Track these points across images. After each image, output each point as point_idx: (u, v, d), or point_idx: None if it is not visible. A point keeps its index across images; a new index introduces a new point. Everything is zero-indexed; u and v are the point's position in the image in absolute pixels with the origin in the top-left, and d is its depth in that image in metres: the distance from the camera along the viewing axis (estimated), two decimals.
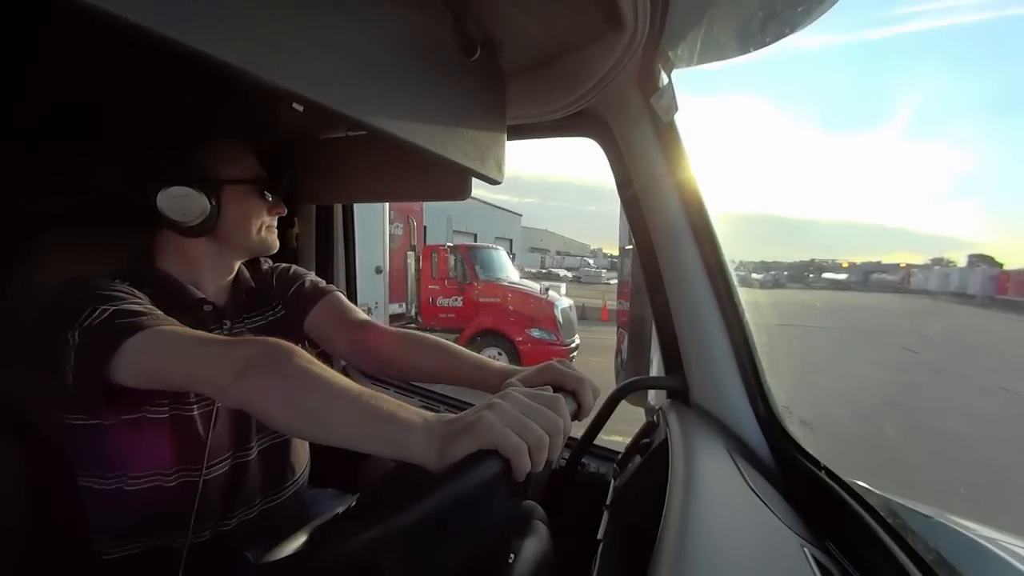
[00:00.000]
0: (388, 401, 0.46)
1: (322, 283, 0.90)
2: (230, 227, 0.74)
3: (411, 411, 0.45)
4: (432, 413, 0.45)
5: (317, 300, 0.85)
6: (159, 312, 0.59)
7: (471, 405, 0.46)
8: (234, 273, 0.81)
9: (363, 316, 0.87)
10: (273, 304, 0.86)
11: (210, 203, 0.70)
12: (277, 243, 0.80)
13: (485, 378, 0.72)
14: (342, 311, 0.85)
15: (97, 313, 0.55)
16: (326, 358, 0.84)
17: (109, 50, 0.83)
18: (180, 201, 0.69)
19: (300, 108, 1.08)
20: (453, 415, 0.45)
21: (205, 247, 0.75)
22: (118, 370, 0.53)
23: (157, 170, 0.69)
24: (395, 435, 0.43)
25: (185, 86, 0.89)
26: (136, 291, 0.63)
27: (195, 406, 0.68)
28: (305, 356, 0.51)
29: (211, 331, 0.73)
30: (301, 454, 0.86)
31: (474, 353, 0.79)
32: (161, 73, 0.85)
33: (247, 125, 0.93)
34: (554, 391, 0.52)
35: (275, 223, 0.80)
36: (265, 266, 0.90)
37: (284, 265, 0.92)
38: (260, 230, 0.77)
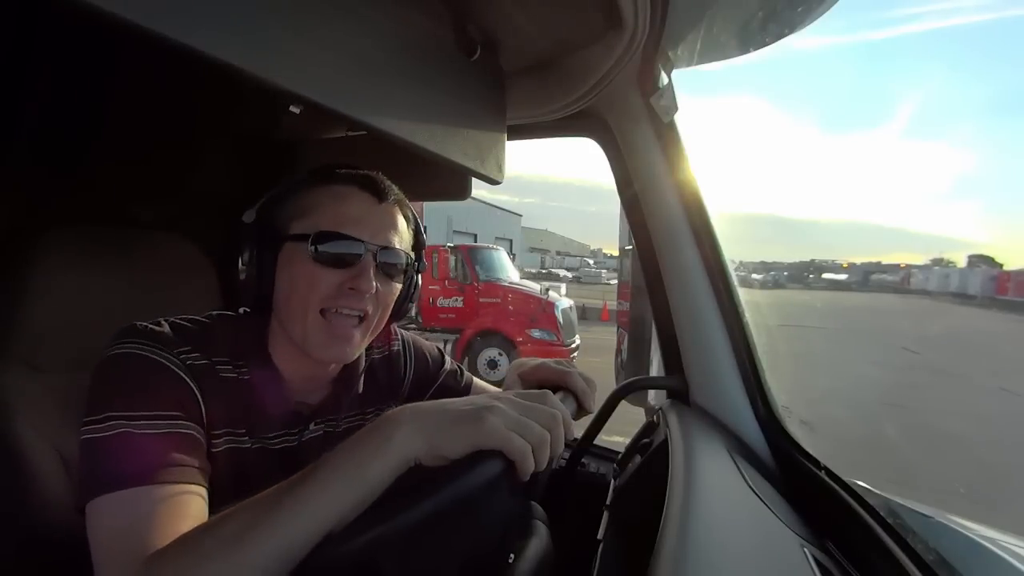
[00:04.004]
0: (346, 445, 0.41)
1: (460, 372, 0.83)
2: (279, 300, 0.57)
3: (373, 426, 0.41)
4: (404, 407, 0.43)
5: (469, 390, 0.81)
6: (173, 443, 0.49)
7: None
8: (331, 370, 0.65)
9: (492, 389, 0.83)
10: (392, 399, 0.74)
11: (243, 255, 0.56)
12: (337, 353, 0.57)
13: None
14: (483, 390, 0.83)
15: (107, 425, 0.47)
16: None
17: (112, 50, 0.83)
18: (241, 249, 0.57)
19: (297, 111, 1.08)
20: (440, 404, 0.43)
21: (280, 327, 0.60)
22: (87, 512, 0.46)
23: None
24: (374, 458, 0.39)
25: (188, 90, 0.89)
26: (200, 381, 0.53)
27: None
28: (200, 536, 0.41)
29: (290, 434, 0.62)
30: None
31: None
32: (164, 75, 0.85)
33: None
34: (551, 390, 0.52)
35: (353, 327, 0.57)
36: (397, 344, 0.76)
37: (419, 346, 0.79)
38: (308, 315, 0.55)
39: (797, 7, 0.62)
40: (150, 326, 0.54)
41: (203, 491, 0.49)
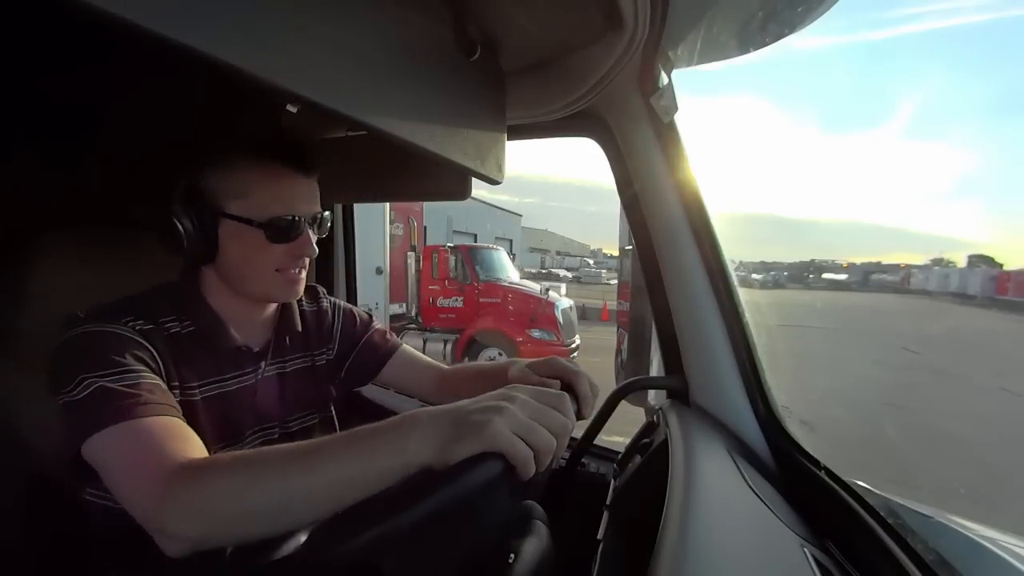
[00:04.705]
0: (362, 430, 0.43)
1: (389, 333, 0.89)
2: (229, 266, 0.66)
3: (394, 421, 0.43)
4: (422, 410, 0.44)
5: (392, 353, 0.86)
6: (149, 385, 0.53)
7: None
8: (270, 311, 0.74)
9: (431, 361, 0.88)
10: (324, 347, 0.82)
11: (188, 232, 0.62)
12: (293, 294, 0.69)
13: (504, 377, 0.70)
14: (414, 357, 0.88)
15: (83, 385, 0.50)
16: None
17: (111, 50, 0.83)
18: (179, 223, 0.62)
19: (294, 110, 1.08)
20: (454, 407, 0.43)
21: (219, 280, 0.67)
22: (88, 456, 0.50)
23: (167, 186, 0.65)
24: (390, 453, 0.41)
25: (188, 91, 0.89)
26: (154, 335, 0.59)
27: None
28: (226, 459, 0.46)
29: (245, 374, 0.70)
30: None
31: (490, 364, 0.82)
32: (163, 75, 0.85)
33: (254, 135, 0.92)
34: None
35: (301, 266, 0.68)
36: (325, 302, 0.85)
37: (348, 311, 0.87)
38: (266, 277, 0.66)
39: (797, 7, 0.62)
40: (90, 311, 0.58)
41: (188, 427, 0.52)
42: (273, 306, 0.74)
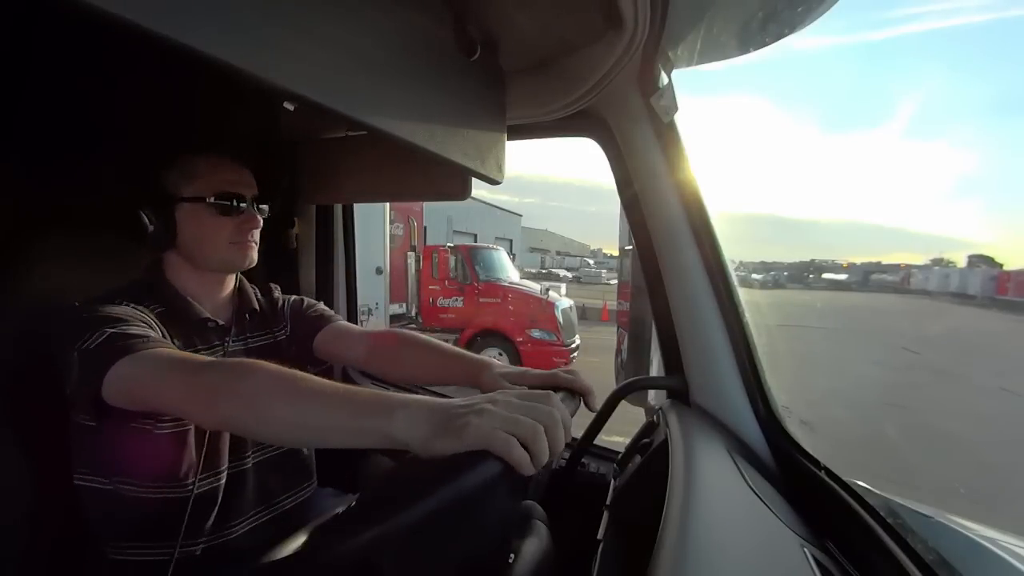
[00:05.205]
0: (365, 391, 0.48)
1: (330, 312, 0.96)
2: (189, 244, 0.75)
3: (391, 395, 0.46)
4: (419, 397, 0.45)
5: (326, 324, 0.91)
6: (154, 335, 0.62)
7: None
8: (228, 290, 0.83)
9: (367, 331, 0.92)
10: (280, 326, 0.91)
11: (151, 220, 0.71)
12: (248, 260, 0.78)
13: (471, 373, 0.75)
14: (349, 329, 0.93)
15: (96, 335, 0.58)
16: (327, 373, 0.90)
17: (110, 52, 0.83)
18: (142, 214, 0.71)
19: (291, 107, 1.08)
20: (444, 403, 0.44)
21: (182, 262, 0.77)
22: (109, 392, 0.56)
23: (127, 185, 0.74)
24: (375, 419, 0.44)
25: (179, 94, 0.90)
26: (142, 310, 0.67)
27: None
28: (269, 368, 0.52)
29: (213, 347, 0.78)
30: (305, 466, 0.88)
31: (457, 349, 0.86)
32: (158, 78, 0.85)
33: (233, 136, 0.93)
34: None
35: (251, 238, 0.78)
36: (276, 293, 0.94)
37: (297, 297, 0.96)
38: (223, 247, 0.76)
39: (797, 7, 0.62)
40: (83, 302, 0.66)
41: None
42: (231, 285, 0.84)
